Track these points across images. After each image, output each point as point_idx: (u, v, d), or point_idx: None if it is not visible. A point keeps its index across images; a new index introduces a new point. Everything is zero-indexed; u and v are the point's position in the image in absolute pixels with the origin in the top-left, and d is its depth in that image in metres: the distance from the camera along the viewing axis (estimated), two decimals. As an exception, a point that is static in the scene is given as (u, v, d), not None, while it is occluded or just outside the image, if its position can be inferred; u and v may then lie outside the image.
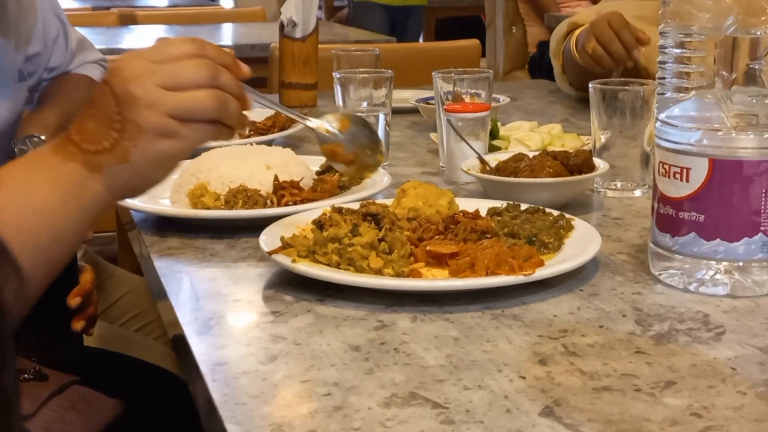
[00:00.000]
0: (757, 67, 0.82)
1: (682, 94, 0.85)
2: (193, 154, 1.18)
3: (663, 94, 0.87)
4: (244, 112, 0.80)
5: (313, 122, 0.90)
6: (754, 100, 0.82)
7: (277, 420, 0.63)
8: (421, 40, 4.95)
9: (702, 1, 0.83)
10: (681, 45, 0.85)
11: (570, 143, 1.37)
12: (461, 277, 0.85)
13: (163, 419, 1.25)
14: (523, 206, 1.02)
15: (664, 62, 0.87)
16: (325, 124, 0.89)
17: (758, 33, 0.82)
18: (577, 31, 1.72)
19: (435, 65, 1.43)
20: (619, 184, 1.20)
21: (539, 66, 4.24)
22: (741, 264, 0.84)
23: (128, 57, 0.76)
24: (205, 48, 0.77)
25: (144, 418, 1.20)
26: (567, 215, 0.99)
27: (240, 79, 0.79)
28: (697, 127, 0.84)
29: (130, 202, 1.08)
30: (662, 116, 0.87)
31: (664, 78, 0.87)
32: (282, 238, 0.91)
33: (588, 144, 1.32)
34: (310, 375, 0.70)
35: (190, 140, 0.76)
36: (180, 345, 0.80)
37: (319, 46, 1.85)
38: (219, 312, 0.84)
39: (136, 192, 0.78)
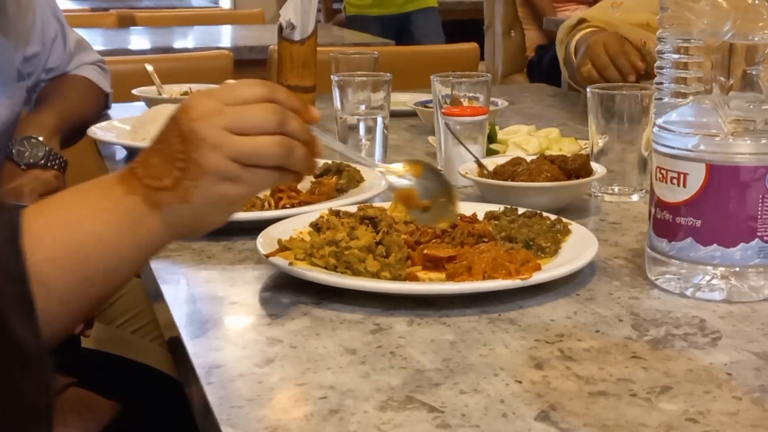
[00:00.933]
0: (754, 72, 0.82)
1: (679, 100, 0.86)
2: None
3: (661, 99, 0.87)
4: (314, 159, 0.79)
5: (386, 168, 0.89)
6: (752, 106, 0.82)
7: (272, 423, 0.63)
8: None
9: (700, 6, 0.84)
10: (679, 50, 0.86)
11: (568, 147, 1.37)
12: (458, 280, 0.85)
13: (160, 421, 1.24)
14: (521, 210, 1.02)
15: (662, 67, 0.87)
16: (399, 170, 0.88)
17: (756, 39, 0.82)
18: (578, 35, 1.71)
19: (433, 68, 1.43)
20: (616, 189, 1.20)
21: (538, 70, 4.25)
22: (737, 269, 0.84)
23: (198, 96, 0.75)
24: (275, 92, 0.76)
25: (141, 420, 1.20)
26: (564, 219, 0.99)
27: (309, 124, 0.78)
28: (695, 132, 0.84)
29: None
30: (660, 121, 0.87)
31: (661, 83, 0.87)
32: (279, 241, 0.91)
33: (586, 148, 1.32)
34: (306, 378, 0.70)
35: (252, 185, 0.75)
36: (176, 347, 0.80)
37: (318, 48, 1.85)
38: (215, 314, 0.84)
39: (193, 232, 0.78)
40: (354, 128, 1.34)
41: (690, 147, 0.84)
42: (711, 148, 0.83)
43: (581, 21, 1.81)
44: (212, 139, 0.72)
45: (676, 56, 0.86)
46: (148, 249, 0.75)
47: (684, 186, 0.84)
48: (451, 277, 0.86)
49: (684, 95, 0.85)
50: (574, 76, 1.80)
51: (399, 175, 0.88)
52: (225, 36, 3.56)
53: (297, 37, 1.76)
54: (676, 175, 0.85)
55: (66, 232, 0.72)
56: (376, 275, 0.85)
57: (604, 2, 1.85)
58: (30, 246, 0.69)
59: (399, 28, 4.46)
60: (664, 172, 0.86)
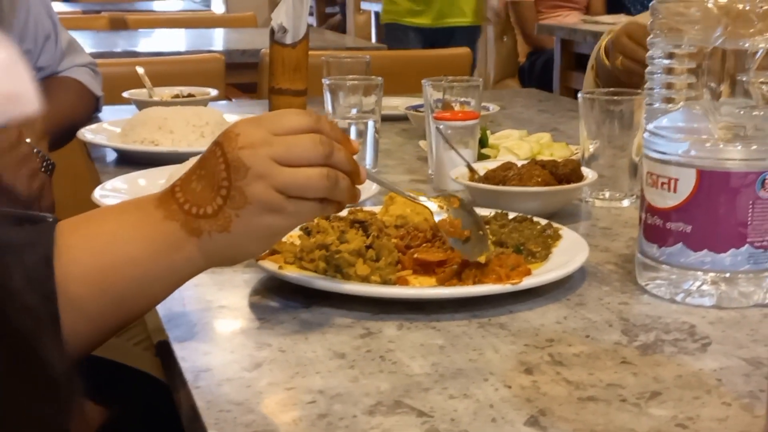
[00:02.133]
0: (744, 78, 0.82)
1: (670, 105, 0.86)
2: (182, 159, 1.18)
3: (651, 104, 0.87)
4: (357, 188, 0.80)
5: (427, 200, 0.89)
6: (742, 112, 0.82)
7: (260, 428, 0.62)
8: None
9: (691, 12, 0.84)
10: (670, 56, 0.86)
11: (559, 152, 1.37)
12: (448, 285, 0.85)
13: (149, 426, 1.24)
14: (511, 215, 1.02)
15: (653, 73, 0.87)
16: (440, 201, 0.89)
17: (746, 45, 0.82)
18: (603, 42, 1.71)
19: (426, 73, 1.43)
20: (607, 194, 1.20)
21: (529, 75, 4.26)
22: (728, 275, 0.84)
23: (245, 123, 0.74)
24: (321, 122, 0.76)
25: (130, 424, 1.20)
26: (555, 224, 0.99)
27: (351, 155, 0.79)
28: (685, 138, 0.84)
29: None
30: (650, 127, 0.87)
31: (652, 88, 0.87)
32: (269, 245, 0.90)
33: (577, 153, 1.32)
34: (295, 382, 0.69)
35: (295, 217, 0.74)
36: (164, 351, 0.79)
37: (310, 52, 1.85)
38: (204, 318, 0.83)
39: (231, 261, 0.77)
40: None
41: (680, 152, 0.84)
42: (701, 153, 0.83)
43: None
44: (259, 169, 0.72)
45: (666, 62, 0.86)
46: (182, 275, 0.74)
47: (674, 191, 0.84)
48: (441, 282, 0.86)
49: (675, 101, 0.85)
50: (609, 80, 1.79)
51: (441, 206, 0.89)
52: (217, 39, 3.56)
53: (289, 40, 1.76)
54: (666, 180, 0.85)
55: (101, 252, 0.71)
56: (365, 279, 0.85)
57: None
58: (63, 263, 0.69)
59: (437, 42, 4.13)
60: (654, 177, 0.86)
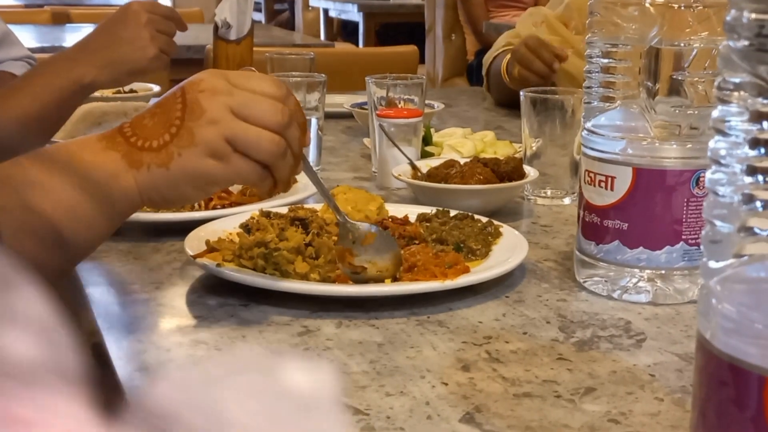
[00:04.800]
0: (680, 78, 0.83)
1: (608, 104, 0.87)
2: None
3: (589, 103, 0.88)
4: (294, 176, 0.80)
5: (348, 222, 0.87)
6: (677, 111, 0.83)
7: (193, 427, 0.62)
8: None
9: (628, 12, 0.85)
10: (607, 55, 0.86)
11: (502, 150, 1.37)
12: (388, 282, 0.84)
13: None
14: (453, 212, 1.02)
15: (591, 71, 0.88)
16: (355, 232, 0.86)
17: (681, 45, 0.83)
18: (506, 58, 1.76)
19: (373, 71, 1.43)
20: (549, 192, 1.21)
21: (478, 74, 4.28)
22: (663, 272, 0.85)
23: (211, 73, 0.75)
24: (289, 98, 0.76)
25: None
26: (495, 222, 0.99)
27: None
28: (622, 136, 0.85)
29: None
30: (588, 125, 0.88)
31: (590, 87, 0.88)
32: (207, 242, 0.89)
33: (519, 152, 1.33)
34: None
35: (235, 171, 0.74)
36: (99, 351, 0.78)
37: (256, 49, 1.83)
38: (140, 317, 0.82)
39: (165, 203, 0.77)
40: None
41: (617, 151, 0.84)
42: (638, 152, 0.84)
43: (508, 45, 1.88)
44: (214, 114, 0.72)
45: (604, 60, 0.86)
46: (117, 210, 0.74)
47: (611, 189, 0.85)
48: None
49: (612, 99, 0.86)
50: (500, 99, 1.89)
51: (351, 236, 0.86)
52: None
53: (233, 36, 1.75)
54: (604, 178, 0.85)
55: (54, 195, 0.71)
56: (305, 277, 0.85)
57: (525, 22, 1.90)
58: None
59: None
60: (592, 175, 0.87)
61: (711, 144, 0.46)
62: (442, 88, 3.72)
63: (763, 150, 0.43)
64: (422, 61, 3.66)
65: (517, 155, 1.26)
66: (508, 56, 1.74)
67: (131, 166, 0.73)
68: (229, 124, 0.73)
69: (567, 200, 1.20)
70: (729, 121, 0.45)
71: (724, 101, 0.45)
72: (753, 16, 0.44)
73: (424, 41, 4.07)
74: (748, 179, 0.44)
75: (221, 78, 0.75)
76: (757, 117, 0.44)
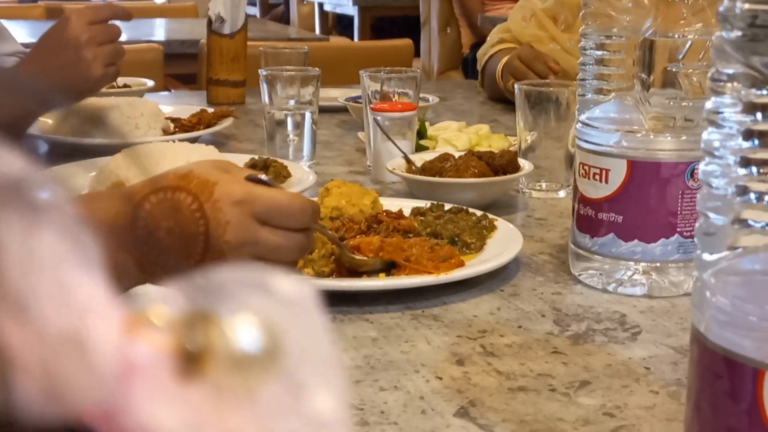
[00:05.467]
0: (674, 69, 0.83)
1: (602, 96, 0.86)
2: (114, 151, 1.16)
3: (584, 95, 0.88)
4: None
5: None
6: (672, 103, 0.83)
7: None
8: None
9: (622, 3, 0.84)
10: (601, 47, 0.86)
11: (497, 144, 1.37)
12: (381, 277, 0.84)
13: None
14: (447, 206, 1.01)
15: (585, 64, 0.87)
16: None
17: (676, 36, 0.83)
18: (500, 64, 1.77)
19: (367, 64, 1.43)
20: (544, 185, 1.21)
21: (473, 67, 4.27)
22: (658, 265, 0.85)
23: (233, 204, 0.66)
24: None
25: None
26: (490, 215, 0.99)
27: None
28: (617, 128, 0.84)
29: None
30: (583, 117, 0.87)
31: (584, 79, 0.88)
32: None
33: (514, 145, 1.33)
34: (224, 377, 0.68)
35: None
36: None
37: (251, 43, 1.83)
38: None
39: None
40: (282, 123, 1.32)
41: (612, 143, 0.84)
42: (632, 144, 0.83)
43: (501, 41, 1.90)
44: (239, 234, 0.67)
45: (598, 53, 0.86)
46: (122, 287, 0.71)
47: (606, 182, 0.85)
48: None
49: (606, 92, 0.86)
50: (492, 96, 1.90)
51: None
52: (157, 29, 3.51)
53: (226, 30, 1.74)
54: (598, 171, 0.85)
55: None
56: (298, 272, 0.84)
57: (515, 15, 1.91)
58: None
59: None
60: (587, 168, 0.86)
61: (704, 135, 0.46)
62: (438, 81, 3.72)
63: (756, 141, 0.43)
64: (417, 54, 3.66)
65: (511, 148, 1.26)
66: (503, 62, 1.75)
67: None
68: (255, 236, 0.67)
69: (562, 193, 1.20)
70: (722, 113, 0.44)
71: (718, 92, 0.45)
72: (746, 6, 0.44)
73: (420, 35, 4.06)
74: (742, 171, 0.43)
75: (249, 224, 0.67)
76: (751, 108, 0.43)
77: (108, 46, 1.24)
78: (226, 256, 0.66)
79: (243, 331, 0.25)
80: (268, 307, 0.26)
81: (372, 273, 0.85)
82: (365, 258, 0.85)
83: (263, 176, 0.71)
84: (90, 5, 1.29)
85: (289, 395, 0.26)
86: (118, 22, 1.29)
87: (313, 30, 5.20)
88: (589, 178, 0.86)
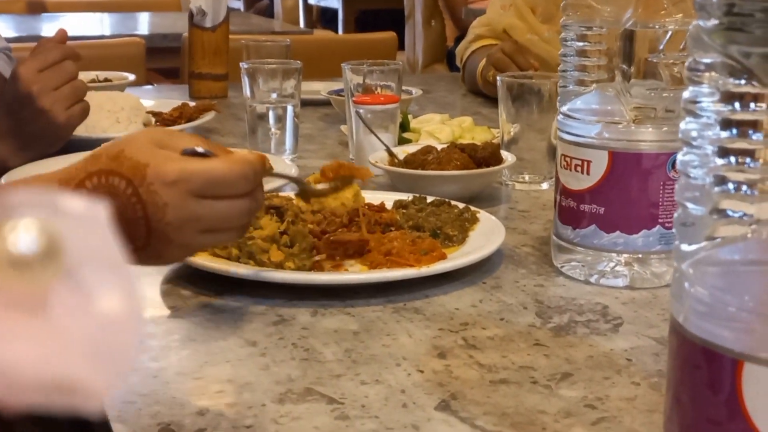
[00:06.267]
0: (655, 60, 0.83)
1: (583, 87, 0.86)
2: (95, 145, 1.14)
3: (565, 86, 0.88)
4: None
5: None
6: (653, 94, 0.83)
7: (165, 419, 0.61)
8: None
9: (603, -6, 0.84)
10: (582, 38, 0.86)
11: (480, 136, 1.37)
12: (363, 270, 0.84)
13: (53, 418, 1.21)
14: (430, 199, 1.01)
15: (566, 55, 0.87)
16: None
17: (656, 27, 0.83)
18: (480, 65, 1.78)
19: (351, 57, 1.42)
20: (527, 177, 1.20)
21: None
22: (640, 256, 0.84)
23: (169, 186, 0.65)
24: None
25: (32, 416, 1.16)
26: (472, 208, 0.98)
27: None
28: (598, 120, 0.84)
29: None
30: (564, 109, 0.87)
31: (566, 71, 0.87)
32: (181, 232, 0.88)
33: (497, 137, 1.32)
34: (204, 372, 0.68)
35: (219, 239, 0.73)
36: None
37: (233, 36, 1.82)
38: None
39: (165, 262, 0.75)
40: (264, 117, 1.32)
41: (593, 135, 0.84)
42: (613, 135, 0.83)
43: (477, 37, 1.91)
44: (182, 241, 0.68)
45: (579, 44, 0.86)
46: None
47: (588, 173, 0.84)
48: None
49: (588, 83, 0.86)
50: (472, 89, 1.90)
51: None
52: (141, 23, 3.49)
53: (208, 24, 1.73)
54: (580, 162, 0.85)
55: None
56: (279, 266, 0.84)
57: (494, 5, 1.91)
58: None
59: None
60: (568, 159, 0.86)
61: (682, 125, 0.45)
62: (422, 74, 3.71)
63: (734, 131, 0.43)
64: (402, 47, 3.65)
65: (494, 141, 1.25)
66: (484, 61, 1.75)
67: None
68: (196, 212, 0.66)
69: (545, 185, 1.19)
70: (700, 102, 0.44)
71: (695, 82, 0.45)
72: (724, -5, 0.44)
73: (404, 28, 4.06)
74: (720, 161, 0.43)
75: (186, 200, 0.66)
76: (728, 97, 0.43)
77: (65, 87, 1.20)
78: (170, 236, 0.66)
79: (21, 236, 0.28)
80: (51, 219, 0.29)
81: (335, 191, 0.84)
82: (325, 184, 0.84)
83: (200, 148, 0.68)
84: (37, 50, 1.22)
85: (77, 296, 0.29)
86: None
87: (297, 23, 5.18)
88: (570, 170, 0.86)
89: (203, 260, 0.84)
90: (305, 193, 0.83)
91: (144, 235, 0.66)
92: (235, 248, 0.85)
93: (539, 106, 1.19)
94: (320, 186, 0.84)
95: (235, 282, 0.83)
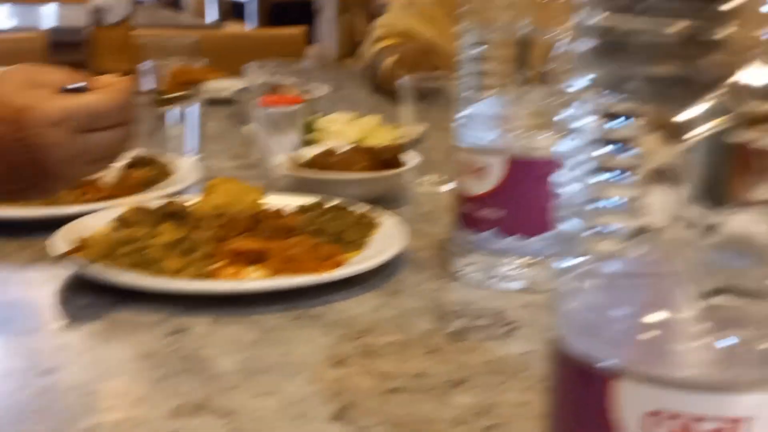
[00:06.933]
0: (551, 67, 0.84)
1: (481, 93, 0.87)
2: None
3: (463, 92, 0.88)
4: None
5: None
6: (549, 100, 0.84)
7: (53, 438, 0.59)
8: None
9: (500, 1, 0.85)
10: (480, 43, 0.87)
11: (386, 136, 1.37)
12: (261, 277, 0.83)
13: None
14: (332, 203, 1.01)
15: (464, 61, 0.88)
16: None
17: (554, 34, 0.84)
18: (388, 61, 1.78)
19: (259, 53, 1.41)
20: (431, 179, 1.21)
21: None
22: (537, 259, 0.86)
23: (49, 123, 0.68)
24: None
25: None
26: (374, 211, 0.99)
27: None
28: (495, 126, 0.85)
29: None
30: (462, 114, 0.88)
31: (463, 76, 0.88)
32: (76, 239, 0.86)
33: (402, 138, 1.33)
34: (95, 386, 0.66)
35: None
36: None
37: (142, 32, 1.78)
38: (5, 319, 0.79)
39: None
40: (165, 117, 1.29)
41: (490, 140, 0.85)
42: (510, 141, 0.84)
43: (379, 38, 1.92)
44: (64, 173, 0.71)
45: (477, 50, 0.87)
46: None
47: (485, 179, 0.85)
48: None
49: (485, 89, 0.87)
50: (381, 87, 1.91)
51: None
52: (47, 17, 3.39)
53: (110, 19, 1.70)
54: (477, 168, 0.86)
55: None
56: (177, 273, 0.83)
57: (395, 5, 1.92)
58: None
59: None
60: (466, 165, 0.87)
61: (559, 143, 0.46)
62: (333, 70, 3.70)
63: (609, 149, 0.44)
64: (312, 41, 3.63)
65: (399, 141, 1.26)
66: (392, 59, 1.75)
67: None
68: (83, 147, 0.70)
69: (449, 187, 1.20)
70: (577, 120, 0.45)
71: (572, 100, 0.45)
72: (602, 16, 0.45)
73: (312, 21, 4.04)
74: (595, 178, 0.44)
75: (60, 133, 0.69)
76: (604, 116, 0.44)
77: None
78: (58, 173, 0.69)
79: None
80: None
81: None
82: None
83: (77, 84, 0.71)
84: None
85: None
86: None
87: (203, 16, 5.11)
88: (468, 175, 0.87)
89: (98, 269, 0.82)
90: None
91: (31, 175, 0.69)
92: (133, 257, 0.83)
93: (444, 106, 1.19)
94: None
95: (133, 291, 0.81)
